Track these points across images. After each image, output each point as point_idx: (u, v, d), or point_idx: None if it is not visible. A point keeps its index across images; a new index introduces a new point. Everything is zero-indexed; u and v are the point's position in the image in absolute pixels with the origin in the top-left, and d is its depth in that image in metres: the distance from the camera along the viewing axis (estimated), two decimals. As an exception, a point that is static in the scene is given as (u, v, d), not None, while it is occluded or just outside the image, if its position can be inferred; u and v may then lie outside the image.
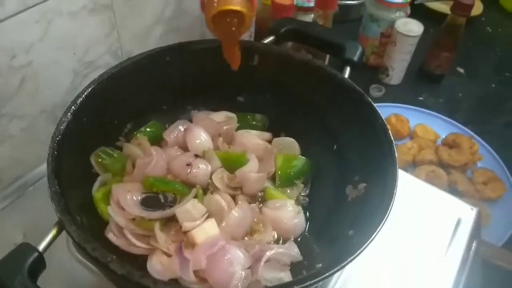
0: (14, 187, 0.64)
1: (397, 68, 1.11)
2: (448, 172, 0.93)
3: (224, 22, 0.53)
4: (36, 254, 0.37)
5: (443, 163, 0.94)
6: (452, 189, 0.90)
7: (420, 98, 1.13)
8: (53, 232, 0.40)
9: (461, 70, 1.22)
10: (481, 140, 1.00)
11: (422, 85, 1.16)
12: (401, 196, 0.64)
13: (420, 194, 0.68)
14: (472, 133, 1.01)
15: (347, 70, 0.60)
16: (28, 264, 0.36)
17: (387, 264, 0.59)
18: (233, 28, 0.53)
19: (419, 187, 0.70)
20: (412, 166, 0.95)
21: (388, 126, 0.98)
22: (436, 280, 0.58)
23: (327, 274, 0.38)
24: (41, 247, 0.38)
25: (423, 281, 0.58)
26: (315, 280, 0.38)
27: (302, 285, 0.38)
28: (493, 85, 1.19)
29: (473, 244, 0.63)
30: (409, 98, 1.10)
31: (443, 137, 1.00)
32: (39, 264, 0.37)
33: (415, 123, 1.03)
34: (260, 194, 0.59)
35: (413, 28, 1.05)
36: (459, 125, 1.03)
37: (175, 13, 0.97)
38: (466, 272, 0.60)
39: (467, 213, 0.65)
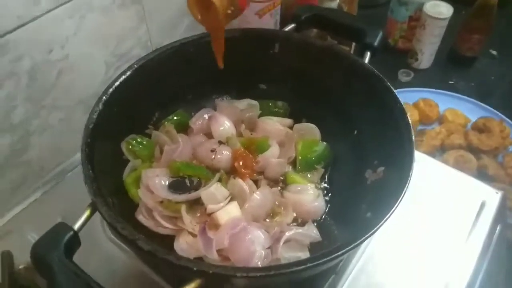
0: (53, 174, 0.69)
1: (427, 51, 1.09)
2: (478, 157, 0.91)
3: (205, 12, 0.54)
4: (71, 232, 0.41)
5: (473, 147, 0.93)
6: (482, 174, 0.88)
7: (450, 82, 1.11)
8: (87, 212, 0.43)
9: (494, 53, 1.18)
10: (513, 123, 0.97)
11: (453, 68, 1.13)
12: (425, 181, 0.65)
13: (445, 178, 0.68)
14: (503, 116, 0.98)
15: (367, 55, 0.60)
16: (64, 241, 0.39)
17: (409, 246, 0.60)
18: (213, 18, 0.54)
19: (444, 172, 0.70)
20: (441, 151, 0.94)
21: (416, 111, 0.99)
22: (458, 262, 0.58)
23: (341, 252, 0.40)
24: (76, 226, 0.42)
25: (445, 263, 0.58)
26: (329, 257, 0.40)
27: (316, 262, 0.39)
28: (529, 68, 1.14)
29: (497, 228, 0.62)
30: (439, 82, 1.08)
31: (474, 121, 0.98)
32: (75, 241, 0.41)
33: (445, 108, 1.01)
34: (281, 178, 0.60)
35: (443, 10, 1.03)
36: (491, 108, 1.00)
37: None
38: (489, 255, 0.60)
39: (491, 196, 0.64)
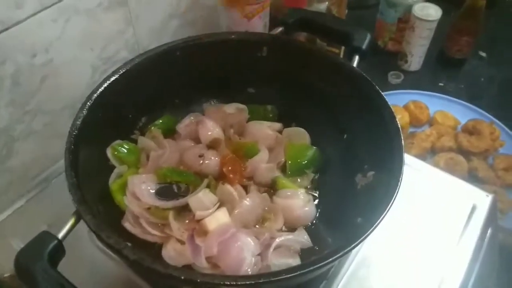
0: (38, 180, 0.68)
1: (416, 53, 1.09)
2: (468, 159, 0.91)
3: None
4: (55, 241, 0.40)
5: (463, 149, 0.93)
6: (473, 176, 0.89)
7: (440, 84, 1.11)
8: (71, 221, 0.42)
9: (483, 54, 1.19)
10: (503, 125, 0.97)
11: (442, 70, 1.13)
12: (415, 184, 0.65)
13: (436, 182, 0.68)
14: (493, 118, 0.98)
15: (356, 58, 0.60)
16: (48, 250, 0.38)
17: (400, 250, 0.60)
18: None
19: (435, 175, 0.69)
20: (431, 153, 0.94)
21: (406, 113, 0.98)
22: (449, 266, 0.58)
23: (331, 259, 0.39)
24: (60, 235, 0.41)
25: (436, 266, 0.58)
26: (320, 264, 0.39)
27: (307, 269, 0.39)
28: (517, 69, 1.15)
29: (488, 231, 0.62)
30: (429, 84, 1.09)
31: (463, 123, 0.99)
32: (59, 250, 0.40)
33: (435, 110, 1.01)
34: (271, 183, 0.60)
35: (431, 12, 1.03)
36: (481, 110, 1.01)
37: (190, 7, 0.98)
38: (480, 258, 0.60)
39: (482, 199, 0.64)
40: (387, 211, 0.44)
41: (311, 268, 0.39)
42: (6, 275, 0.57)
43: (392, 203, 0.45)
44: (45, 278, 0.37)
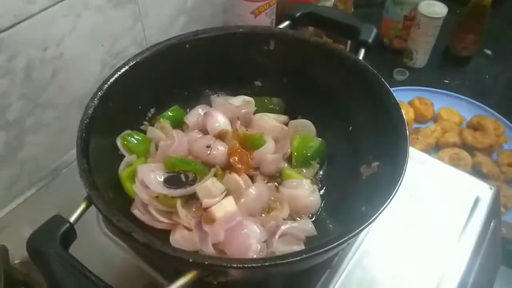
0: (48, 171, 0.69)
1: (421, 51, 1.10)
2: (472, 155, 0.92)
3: None
4: (67, 224, 0.41)
5: (468, 145, 0.94)
6: (477, 172, 0.89)
7: (445, 81, 1.12)
8: (82, 205, 0.43)
9: (489, 52, 1.19)
10: (507, 122, 0.98)
11: (448, 68, 1.14)
12: (420, 177, 0.66)
13: (440, 174, 0.68)
14: (498, 115, 0.99)
15: (362, 52, 0.61)
16: (60, 233, 0.40)
17: (403, 241, 0.60)
18: None
19: (439, 168, 0.70)
20: (436, 149, 0.95)
21: (411, 109, 0.99)
22: (452, 257, 0.59)
23: (336, 243, 0.40)
24: (72, 219, 0.42)
25: (439, 257, 0.59)
26: (325, 248, 0.40)
27: (312, 253, 0.40)
28: (523, 67, 1.16)
29: (491, 223, 0.63)
30: (434, 81, 1.10)
31: (468, 119, 0.99)
32: (71, 234, 0.41)
33: (440, 106, 1.02)
34: (277, 174, 0.61)
35: (437, 10, 1.04)
36: (485, 107, 1.02)
37: (197, 3, 1.00)
38: (483, 250, 0.61)
39: (485, 192, 0.65)
40: (392, 199, 0.45)
41: (317, 252, 0.40)
42: (16, 261, 0.58)
43: (396, 191, 0.46)
44: (57, 259, 0.38)
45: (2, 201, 0.67)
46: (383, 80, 0.56)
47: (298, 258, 0.39)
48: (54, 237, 0.39)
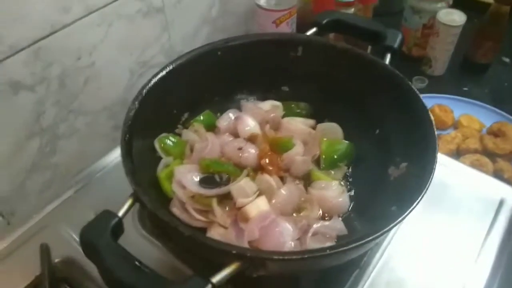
0: (80, 177, 0.72)
1: (440, 59, 1.12)
2: (494, 161, 0.92)
3: None
4: (117, 218, 0.43)
5: (488, 151, 0.94)
6: (498, 177, 0.89)
7: (464, 88, 1.12)
8: (129, 201, 0.46)
9: (507, 60, 1.20)
10: (528, 128, 0.98)
11: (466, 75, 1.15)
12: (444, 180, 0.67)
13: (463, 177, 0.70)
14: (518, 121, 1.00)
15: (388, 57, 0.63)
16: (111, 226, 0.42)
17: (429, 243, 0.62)
18: None
19: (462, 171, 0.71)
20: (456, 155, 0.95)
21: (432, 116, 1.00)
22: (477, 259, 0.60)
23: (371, 237, 0.42)
24: (120, 213, 0.44)
25: (465, 258, 0.60)
26: (361, 242, 0.42)
27: (349, 246, 0.41)
28: (541, 74, 1.16)
29: (517, 224, 0.64)
30: (453, 89, 1.10)
31: (488, 126, 1.00)
32: (119, 227, 0.43)
33: (460, 113, 1.03)
34: (306, 176, 0.62)
35: (456, 18, 1.05)
36: (505, 114, 1.02)
37: (220, 13, 1.03)
38: (508, 252, 0.61)
39: (509, 194, 0.66)
40: (421, 198, 0.46)
41: (353, 245, 0.41)
42: (57, 260, 0.60)
43: (426, 191, 0.47)
44: (109, 251, 0.40)
45: (39, 203, 0.70)
46: (411, 84, 0.58)
47: (334, 251, 0.41)
48: (105, 230, 0.41)
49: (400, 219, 0.45)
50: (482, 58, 1.12)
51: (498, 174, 0.90)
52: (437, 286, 0.58)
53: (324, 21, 0.68)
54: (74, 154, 0.85)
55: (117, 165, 0.69)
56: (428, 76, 1.13)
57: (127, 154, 0.49)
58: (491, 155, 0.93)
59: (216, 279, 0.39)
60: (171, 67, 0.60)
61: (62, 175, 0.84)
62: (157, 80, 0.58)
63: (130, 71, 0.89)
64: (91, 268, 0.49)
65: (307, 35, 0.68)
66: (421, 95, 1.04)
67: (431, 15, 1.08)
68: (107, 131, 0.90)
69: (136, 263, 0.39)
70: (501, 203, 0.65)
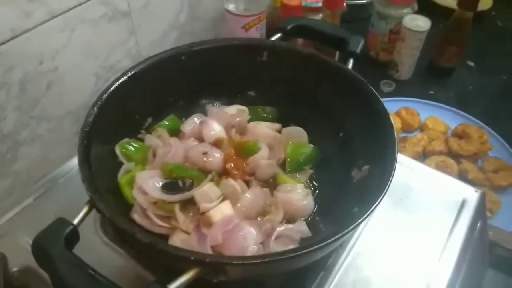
0: (41, 183, 0.70)
1: (406, 63, 1.14)
2: (458, 162, 0.95)
3: None
4: (71, 227, 0.42)
5: (453, 153, 0.96)
6: (463, 178, 0.92)
7: (430, 92, 1.15)
8: (85, 209, 0.45)
9: (471, 64, 1.24)
10: (491, 130, 1.01)
11: (432, 79, 1.18)
12: (409, 181, 0.68)
13: (427, 179, 0.71)
14: (482, 124, 1.02)
15: (351, 62, 0.64)
16: (65, 234, 0.41)
17: (394, 242, 0.62)
18: None
19: (426, 173, 0.73)
20: (422, 157, 0.98)
21: (398, 119, 1.02)
22: (441, 257, 0.61)
23: (335, 237, 0.42)
24: (75, 221, 0.43)
25: (429, 257, 0.61)
26: (324, 243, 0.42)
27: (311, 248, 0.41)
28: (504, 78, 1.20)
29: (478, 224, 0.65)
30: (419, 92, 1.13)
31: (453, 128, 1.02)
32: (74, 235, 0.42)
33: (426, 116, 1.05)
34: (271, 179, 0.62)
35: (421, 23, 1.08)
36: (470, 116, 1.05)
37: (189, 19, 1.02)
38: (470, 251, 0.63)
39: (471, 195, 0.67)
40: (381, 198, 0.47)
41: (315, 247, 0.41)
42: (15, 269, 0.58)
43: (386, 191, 0.48)
44: (62, 260, 0.39)
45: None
46: (372, 89, 0.59)
47: (296, 253, 0.41)
48: (59, 238, 0.40)
49: (360, 220, 0.45)
50: (447, 63, 1.16)
51: (462, 175, 0.92)
52: (402, 284, 0.59)
53: (289, 27, 0.69)
54: (36, 160, 0.83)
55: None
56: (395, 80, 1.16)
57: (84, 160, 0.48)
58: (456, 157, 0.96)
59: (174, 285, 0.38)
60: (132, 71, 0.59)
61: (23, 182, 0.82)
62: (118, 85, 0.57)
63: (95, 75, 0.87)
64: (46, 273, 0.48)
65: (272, 40, 0.68)
66: (388, 99, 1.08)
67: (397, 21, 1.11)
68: (70, 137, 0.88)
69: (90, 271, 0.38)
70: (463, 203, 0.67)
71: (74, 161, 0.71)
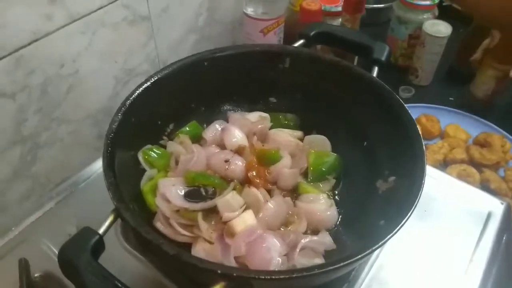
0: (63, 186, 0.70)
1: (426, 69, 1.12)
2: (480, 171, 0.93)
3: None
4: (97, 236, 0.41)
5: (475, 162, 0.94)
6: (485, 188, 0.90)
7: (450, 98, 1.13)
8: (110, 218, 0.44)
9: (492, 70, 1.21)
10: (513, 138, 0.99)
11: (452, 85, 1.16)
12: (432, 191, 0.67)
13: (451, 189, 0.70)
14: (504, 132, 1.00)
15: (375, 69, 0.63)
16: (91, 244, 0.40)
17: (418, 255, 0.61)
18: None
19: (450, 183, 0.71)
20: (443, 165, 0.96)
21: (419, 126, 1.00)
22: (467, 271, 0.59)
23: (362, 255, 0.41)
24: (101, 231, 0.42)
25: (454, 271, 0.59)
26: (351, 260, 0.41)
27: (338, 265, 0.40)
28: (526, 85, 1.17)
29: (504, 237, 0.64)
30: (439, 98, 1.11)
31: (474, 137, 1.01)
32: (100, 245, 0.42)
33: (446, 123, 1.03)
34: (293, 188, 0.62)
35: (441, 29, 1.06)
36: (491, 124, 1.03)
37: (208, 22, 1.02)
38: (497, 265, 0.61)
39: (497, 207, 0.66)
40: (411, 213, 0.46)
41: (343, 263, 0.40)
42: (36, 274, 0.58)
43: (416, 205, 0.47)
44: (89, 270, 0.39)
45: (18, 214, 0.67)
46: (398, 98, 0.58)
47: (324, 270, 0.40)
48: (85, 248, 0.40)
49: (389, 236, 0.44)
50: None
51: (484, 185, 0.91)
52: (427, 299, 0.58)
53: (312, 33, 0.68)
54: (55, 163, 0.83)
55: (100, 176, 0.66)
56: (415, 86, 1.14)
57: (109, 167, 0.47)
58: (478, 166, 0.94)
59: (200, 299, 0.37)
60: (156, 77, 0.59)
61: (42, 184, 0.82)
62: (141, 91, 0.57)
63: (115, 79, 0.88)
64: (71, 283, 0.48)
65: (295, 47, 0.67)
66: (408, 105, 1.06)
67: (417, 26, 1.09)
68: (90, 140, 0.88)
69: (117, 283, 0.38)
70: (489, 216, 0.65)
71: (94, 166, 0.72)
